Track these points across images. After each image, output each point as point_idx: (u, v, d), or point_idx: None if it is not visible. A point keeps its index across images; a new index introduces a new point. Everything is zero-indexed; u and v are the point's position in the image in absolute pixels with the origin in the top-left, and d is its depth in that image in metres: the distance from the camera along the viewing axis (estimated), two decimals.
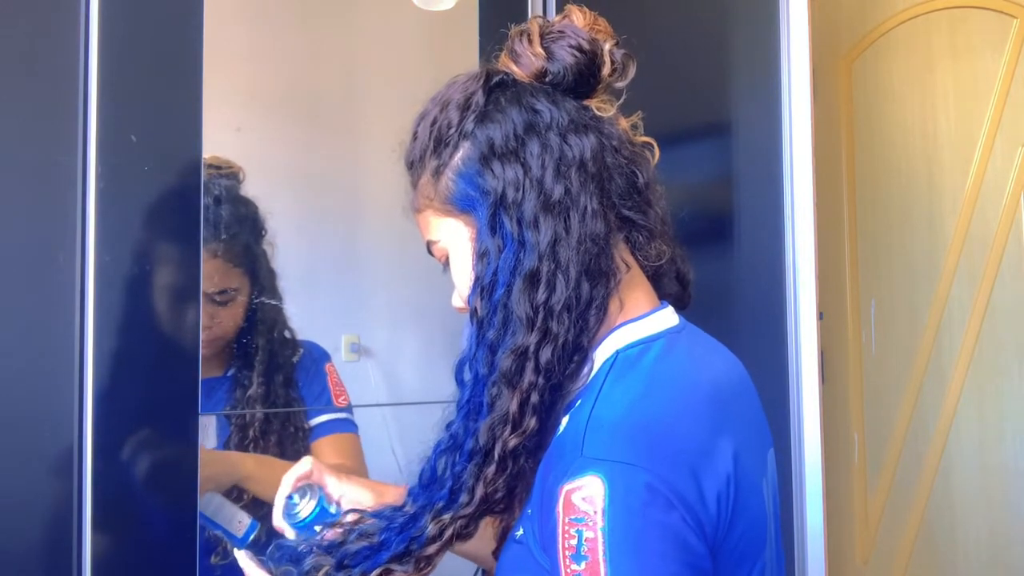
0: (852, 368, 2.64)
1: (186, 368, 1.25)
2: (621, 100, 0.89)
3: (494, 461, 0.79)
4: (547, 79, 0.86)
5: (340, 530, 0.89)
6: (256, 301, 1.35)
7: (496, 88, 0.85)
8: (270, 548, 0.92)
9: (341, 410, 1.43)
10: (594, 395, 0.77)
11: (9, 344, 1.16)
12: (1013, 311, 2.41)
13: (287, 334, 1.39)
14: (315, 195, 1.45)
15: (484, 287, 0.81)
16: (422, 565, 0.83)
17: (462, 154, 0.83)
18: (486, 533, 0.95)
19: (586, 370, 0.81)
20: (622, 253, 0.86)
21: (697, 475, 0.73)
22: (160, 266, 1.25)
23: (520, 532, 0.80)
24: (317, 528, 0.96)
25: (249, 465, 1.34)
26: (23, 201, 1.18)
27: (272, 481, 1.01)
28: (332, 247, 1.46)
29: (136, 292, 1.22)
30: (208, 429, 1.29)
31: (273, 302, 1.36)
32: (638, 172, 0.87)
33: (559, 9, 1.49)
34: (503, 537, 0.90)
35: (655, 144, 0.91)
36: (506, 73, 0.87)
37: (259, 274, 1.35)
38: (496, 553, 0.91)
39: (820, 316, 2.02)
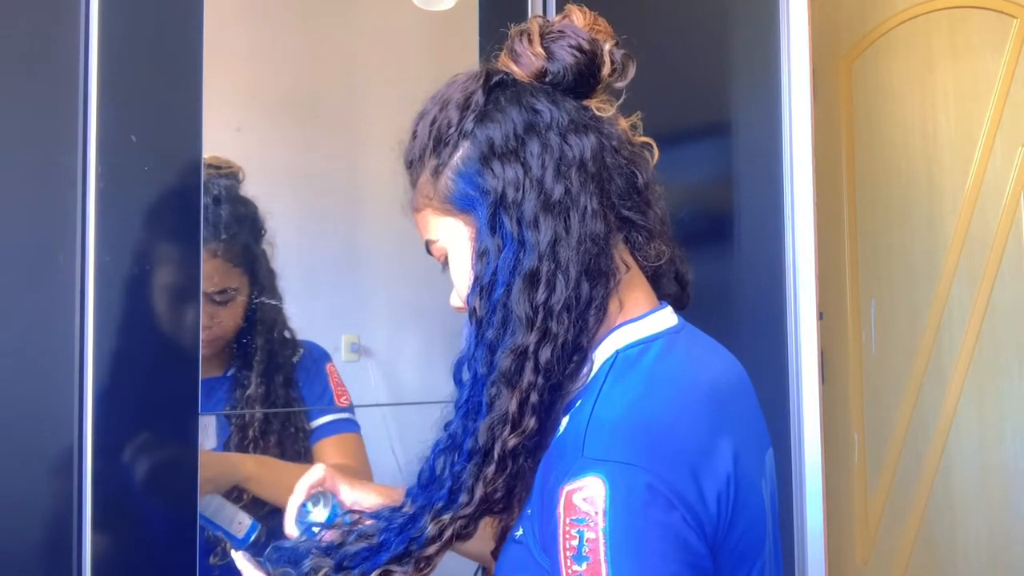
0: (852, 368, 2.64)
1: (186, 368, 1.25)
2: (621, 100, 0.89)
3: (493, 461, 0.79)
4: (547, 79, 0.86)
5: (339, 531, 0.89)
6: (256, 301, 1.35)
7: (496, 88, 0.85)
8: (268, 549, 0.91)
9: (343, 410, 1.43)
10: (594, 395, 0.77)
11: (9, 344, 1.16)
12: (1013, 311, 2.41)
13: (287, 334, 1.39)
14: (315, 195, 1.45)
15: (483, 287, 0.81)
16: (422, 566, 0.83)
17: (462, 153, 0.83)
18: (485, 533, 0.95)
19: (585, 370, 0.81)
20: (622, 253, 0.86)
21: (697, 475, 0.73)
22: (160, 266, 1.25)
23: (520, 532, 0.80)
24: (315, 529, 0.95)
25: (249, 466, 1.34)
26: (23, 201, 1.18)
27: (273, 482, 1.02)
28: (332, 247, 1.46)
29: (136, 292, 1.22)
30: (208, 429, 1.29)
31: (273, 302, 1.36)
32: (637, 172, 0.87)
33: (559, 9, 1.49)
34: (502, 537, 0.90)
35: (654, 144, 0.91)
36: (506, 73, 0.87)
37: (259, 274, 1.35)
38: (495, 553, 0.91)
39: (820, 316, 2.02)
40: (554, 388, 0.80)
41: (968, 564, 2.44)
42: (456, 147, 0.84)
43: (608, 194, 0.84)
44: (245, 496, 1.32)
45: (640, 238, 0.88)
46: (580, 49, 0.85)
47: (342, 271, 1.47)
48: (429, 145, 0.86)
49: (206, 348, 1.27)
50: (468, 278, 0.83)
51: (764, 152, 2.01)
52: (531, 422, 0.78)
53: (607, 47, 0.87)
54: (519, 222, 0.80)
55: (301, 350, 1.40)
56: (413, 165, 0.88)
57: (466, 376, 0.82)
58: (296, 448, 1.39)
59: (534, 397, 0.78)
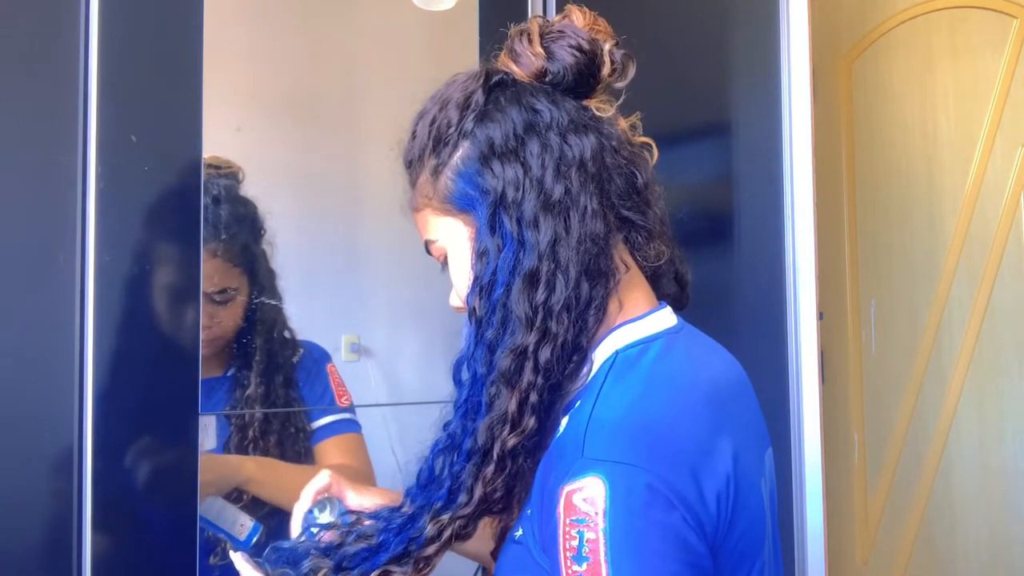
0: (852, 368, 2.64)
1: (186, 368, 1.25)
2: (621, 100, 0.89)
3: (493, 461, 0.79)
4: (547, 79, 0.86)
5: (338, 532, 0.89)
6: (256, 301, 1.35)
7: (496, 87, 0.85)
8: (267, 550, 0.91)
9: (344, 410, 1.43)
10: (594, 396, 0.77)
11: (9, 344, 1.16)
12: (1013, 311, 2.41)
13: (287, 334, 1.39)
14: (315, 195, 1.45)
15: (483, 286, 0.81)
16: (421, 566, 0.83)
17: (461, 153, 0.83)
18: (485, 533, 0.95)
19: (585, 370, 0.81)
20: (621, 253, 0.86)
21: (697, 475, 0.73)
22: (160, 266, 1.25)
23: (519, 532, 0.80)
24: (314, 530, 0.95)
25: (250, 468, 1.33)
26: (23, 201, 1.18)
27: (274, 483, 1.01)
28: (332, 247, 1.46)
29: (136, 292, 1.22)
30: (208, 429, 1.29)
31: (273, 302, 1.36)
32: (637, 172, 0.87)
33: (559, 9, 1.49)
34: (502, 537, 0.90)
35: (654, 144, 0.91)
36: (506, 73, 0.87)
37: (259, 274, 1.35)
38: (495, 553, 0.91)
39: (820, 316, 2.02)
40: (553, 388, 0.80)
41: (968, 564, 2.44)
42: (456, 147, 0.84)
43: (608, 194, 0.84)
44: (245, 496, 1.32)
45: (640, 238, 0.88)
46: (580, 49, 0.85)
47: (342, 271, 1.47)
48: (429, 145, 0.85)
49: (206, 348, 1.27)
50: (468, 278, 0.83)
51: (764, 152, 2.01)
52: (530, 422, 0.78)
53: (607, 47, 0.87)
54: (519, 222, 0.80)
55: (301, 350, 1.40)
56: (413, 165, 0.88)
57: (465, 376, 0.82)
58: (296, 448, 1.39)
59: (533, 397, 0.78)
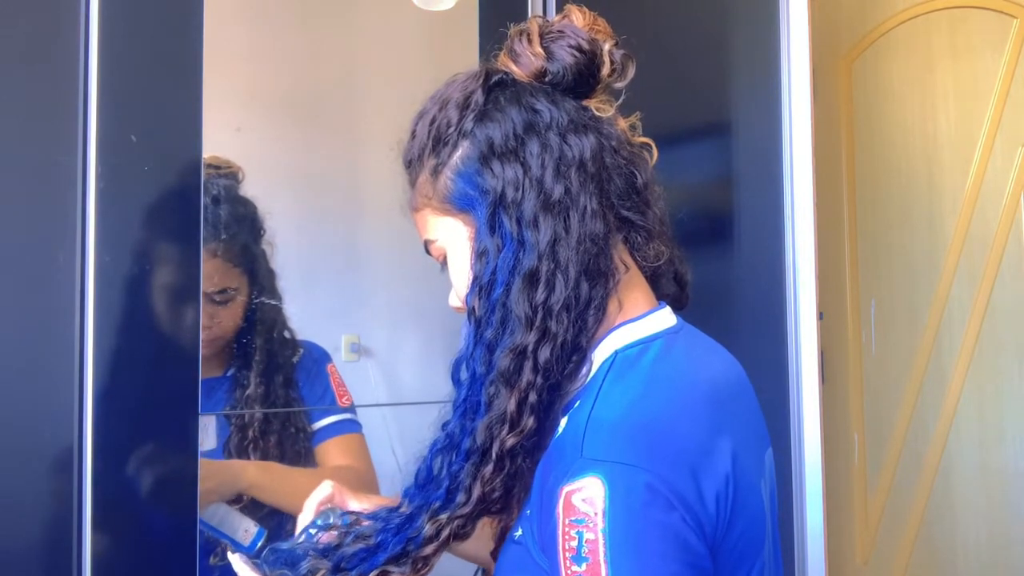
0: (852, 368, 2.64)
1: (186, 368, 1.25)
2: (620, 100, 0.89)
3: (491, 460, 0.79)
4: (546, 79, 0.86)
5: (336, 532, 0.89)
6: (256, 301, 1.35)
7: (496, 87, 0.85)
8: (265, 551, 0.91)
9: (345, 411, 1.43)
10: (593, 396, 0.77)
11: (9, 344, 1.16)
12: (1013, 311, 2.41)
13: (287, 334, 1.39)
14: (315, 195, 1.45)
15: (483, 286, 0.81)
16: (419, 566, 0.82)
17: (461, 153, 0.83)
18: (484, 533, 0.95)
19: (585, 370, 0.81)
20: (621, 253, 0.86)
21: (696, 475, 0.73)
22: (160, 266, 1.25)
23: (519, 533, 0.80)
24: (313, 531, 0.95)
25: (252, 473, 1.33)
26: (23, 201, 1.18)
27: (276, 488, 1.01)
28: (332, 247, 1.46)
29: (136, 292, 1.22)
30: (208, 429, 1.29)
31: (273, 302, 1.36)
32: (637, 173, 0.87)
33: (559, 9, 1.49)
34: (502, 537, 0.90)
35: (653, 145, 0.91)
36: (506, 73, 0.87)
37: (259, 274, 1.35)
38: (495, 554, 0.91)
39: (820, 316, 2.02)
40: (553, 388, 0.80)
41: (968, 564, 2.44)
42: (455, 147, 0.84)
43: (607, 194, 0.84)
44: (244, 498, 1.32)
45: (639, 238, 0.88)
46: (580, 49, 0.85)
47: (342, 271, 1.47)
48: (428, 145, 0.85)
49: (206, 348, 1.27)
50: (467, 278, 0.83)
51: (764, 152, 2.01)
52: (529, 422, 0.78)
53: (607, 47, 0.87)
54: (518, 222, 0.80)
55: (301, 350, 1.40)
56: (412, 165, 0.88)
57: (464, 375, 0.82)
58: (296, 448, 1.39)
59: (533, 397, 0.78)
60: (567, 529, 0.70)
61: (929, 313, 2.52)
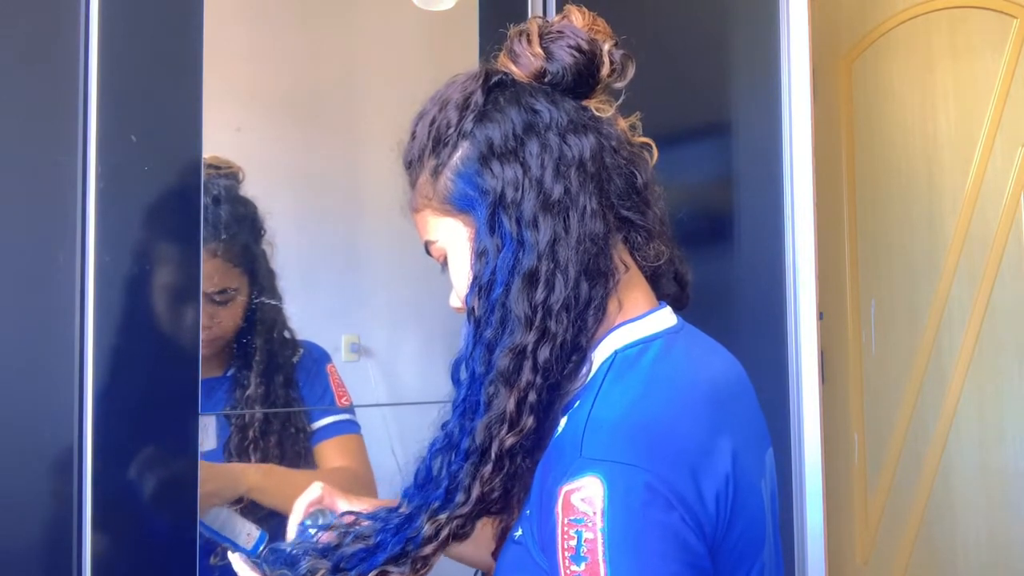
0: (852, 368, 2.64)
1: (186, 368, 1.25)
2: (620, 100, 0.89)
3: (491, 460, 0.79)
4: (546, 79, 0.86)
5: (336, 533, 0.89)
6: (256, 301, 1.35)
7: (495, 88, 0.85)
8: (265, 551, 0.91)
9: (344, 411, 1.43)
10: (593, 395, 0.77)
11: (9, 344, 1.16)
12: (1013, 311, 2.41)
13: (287, 334, 1.39)
14: (315, 195, 1.45)
15: (482, 286, 0.81)
16: (419, 566, 0.82)
17: (461, 154, 0.83)
18: (484, 535, 0.95)
19: (584, 370, 0.81)
20: (621, 253, 0.86)
21: (696, 475, 0.73)
22: (160, 266, 1.25)
23: (519, 533, 0.80)
24: (312, 531, 0.95)
25: (253, 477, 1.33)
26: (23, 201, 1.19)
27: (277, 491, 1.01)
28: (332, 247, 1.46)
29: (136, 292, 1.22)
30: (208, 429, 1.29)
31: (273, 302, 1.36)
32: (637, 172, 0.87)
33: (559, 9, 1.49)
34: (502, 538, 0.90)
35: (653, 145, 0.91)
36: (505, 73, 0.87)
37: (259, 274, 1.36)
38: (495, 554, 0.91)
39: (820, 316, 2.02)
40: (552, 388, 0.80)
41: (968, 564, 2.44)
42: (455, 147, 0.84)
43: (607, 194, 0.84)
44: (243, 499, 1.32)
45: (639, 238, 0.88)
46: (579, 49, 0.85)
47: (342, 271, 1.47)
48: (428, 145, 0.86)
49: (206, 348, 1.27)
50: (467, 278, 0.83)
51: (764, 152, 2.01)
52: (529, 421, 0.78)
53: (606, 47, 0.87)
54: (518, 222, 0.80)
55: (301, 350, 1.40)
56: (412, 165, 0.88)
57: (464, 375, 0.82)
58: (296, 448, 1.39)
59: (532, 396, 0.78)
60: (566, 529, 0.70)
61: (929, 313, 2.52)
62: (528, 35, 0.87)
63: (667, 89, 1.82)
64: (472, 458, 0.79)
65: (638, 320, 0.84)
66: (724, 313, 1.95)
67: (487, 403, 0.79)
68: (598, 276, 0.81)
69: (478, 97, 0.84)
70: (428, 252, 0.90)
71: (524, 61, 0.86)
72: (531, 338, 0.78)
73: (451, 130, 0.84)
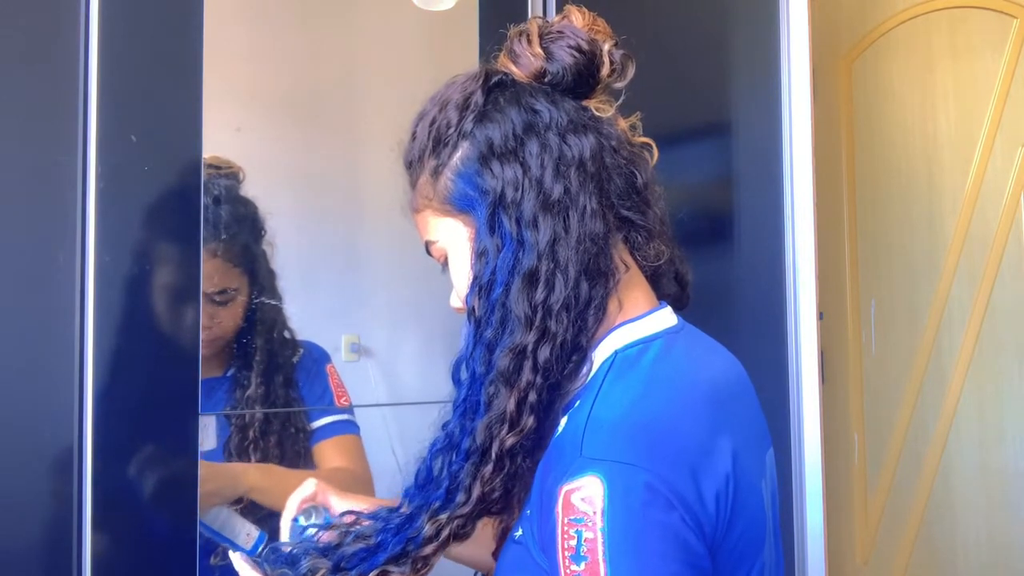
0: (852, 368, 2.64)
1: (186, 368, 1.25)
2: (620, 100, 0.89)
3: (491, 460, 0.79)
4: (546, 79, 0.86)
5: (336, 532, 0.89)
6: (256, 301, 1.35)
7: (495, 88, 0.85)
8: (266, 550, 0.92)
9: (343, 411, 1.43)
10: (593, 395, 0.77)
11: (9, 344, 1.16)
12: (1013, 311, 2.41)
13: (287, 334, 1.39)
14: (315, 195, 1.45)
15: (482, 286, 0.81)
16: (419, 566, 0.82)
17: (461, 154, 0.83)
18: (484, 535, 0.95)
19: (585, 370, 0.81)
20: (621, 253, 0.86)
21: (696, 475, 0.73)
22: (160, 266, 1.25)
23: (519, 533, 0.80)
24: (312, 531, 0.96)
25: (252, 476, 1.33)
26: (23, 201, 1.19)
27: (277, 491, 1.02)
28: (332, 247, 1.46)
29: (136, 292, 1.22)
30: (208, 429, 1.29)
31: (273, 302, 1.37)
32: (637, 172, 0.87)
33: (559, 9, 1.49)
34: (502, 538, 0.90)
35: (654, 145, 0.91)
36: (505, 73, 0.87)
37: (259, 274, 1.36)
38: (496, 554, 0.91)
39: (820, 316, 2.02)
40: (553, 388, 0.80)
41: (968, 564, 2.44)
42: (455, 147, 0.84)
43: (607, 194, 0.84)
44: (243, 499, 1.32)
45: (639, 238, 0.88)
46: (579, 49, 0.85)
47: (342, 271, 1.47)
48: (428, 146, 0.86)
49: (206, 348, 1.27)
50: (467, 278, 0.83)
51: (764, 152, 2.01)
52: (529, 421, 0.78)
53: (606, 47, 0.87)
54: (518, 222, 0.80)
55: (301, 350, 1.40)
56: (413, 166, 0.88)
57: (464, 375, 0.82)
58: (296, 449, 1.39)
59: (532, 396, 0.78)
60: (566, 528, 0.70)
61: (929, 313, 2.52)
62: (528, 35, 0.87)
63: (667, 89, 1.82)
64: (473, 458, 0.79)
65: (638, 320, 0.84)
66: (724, 313, 1.95)
67: (487, 403, 0.79)
68: (598, 276, 0.81)
69: (478, 97, 0.84)
70: (428, 252, 0.90)
71: (524, 61, 0.86)
72: (531, 338, 0.78)
73: (451, 130, 0.84)
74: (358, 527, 0.88)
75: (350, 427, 1.44)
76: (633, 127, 0.91)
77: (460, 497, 0.80)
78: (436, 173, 0.85)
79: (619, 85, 0.89)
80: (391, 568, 0.82)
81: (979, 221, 2.46)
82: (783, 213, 2.00)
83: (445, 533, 0.81)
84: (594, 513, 0.69)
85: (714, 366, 0.88)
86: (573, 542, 0.69)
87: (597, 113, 0.87)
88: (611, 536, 0.68)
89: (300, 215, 1.43)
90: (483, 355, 0.80)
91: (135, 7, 1.25)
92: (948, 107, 2.51)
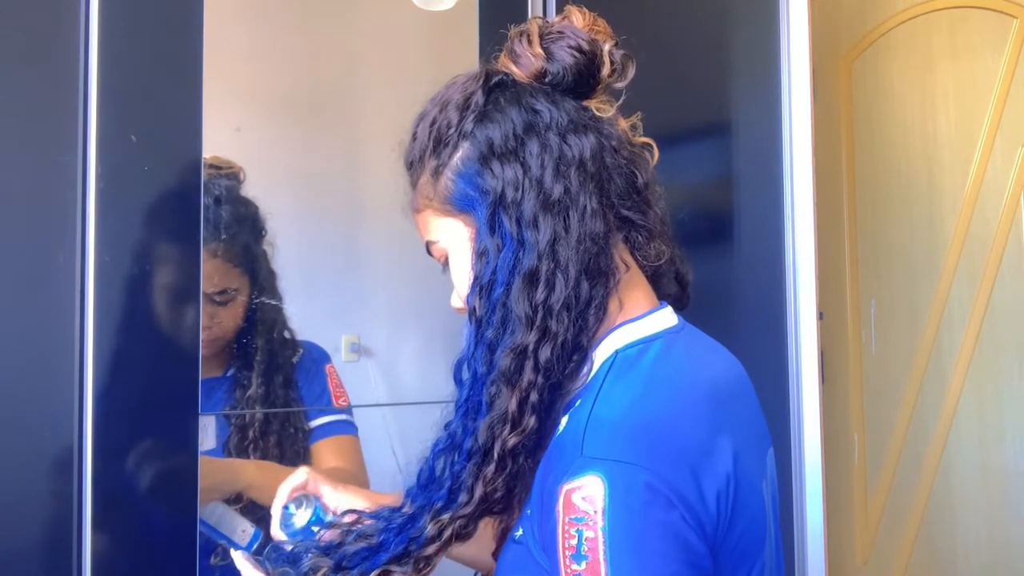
0: (852, 368, 2.64)
1: (186, 368, 1.25)
2: (621, 100, 0.89)
3: (493, 460, 0.79)
4: (546, 79, 0.86)
5: (338, 531, 0.89)
6: (256, 301, 1.35)
7: (495, 88, 0.86)
8: (267, 549, 0.92)
9: (341, 411, 1.43)
10: (593, 395, 0.77)
11: (9, 344, 1.16)
12: (1013, 311, 2.41)
13: (287, 334, 1.39)
14: (315, 195, 1.45)
15: (483, 286, 0.81)
16: (421, 566, 0.83)
17: (461, 154, 0.84)
18: (485, 535, 0.95)
19: (585, 370, 0.81)
20: (621, 253, 0.86)
21: (697, 474, 0.73)
22: (160, 266, 1.25)
23: (519, 532, 0.80)
24: (315, 529, 0.96)
25: (251, 472, 1.33)
26: (23, 201, 1.19)
27: (274, 488, 1.02)
28: (332, 247, 1.46)
29: (136, 292, 1.22)
30: (208, 429, 1.29)
31: (273, 302, 1.36)
32: (637, 172, 0.87)
33: (559, 10, 1.49)
34: (503, 537, 0.90)
35: (654, 145, 0.91)
36: (506, 73, 0.87)
37: (259, 274, 1.36)
38: (496, 554, 0.91)
39: (820, 316, 2.02)
40: (554, 387, 0.80)
41: (968, 564, 2.44)
42: (456, 148, 0.84)
43: (608, 194, 0.84)
44: (244, 498, 1.32)
45: (640, 238, 0.89)
46: (579, 50, 0.86)
47: (342, 271, 1.47)
48: (429, 146, 0.86)
49: (206, 348, 1.27)
50: (468, 278, 0.83)
51: (764, 152, 2.01)
52: (531, 421, 0.78)
53: (607, 47, 0.87)
54: (518, 222, 0.80)
55: (301, 350, 1.40)
56: (413, 166, 0.88)
57: (466, 375, 0.82)
58: (295, 448, 1.39)
59: (534, 396, 0.78)
60: (567, 527, 0.70)
61: (929, 313, 2.52)
62: (528, 35, 0.87)
63: (667, 89, 1.82)
64: (475, 458, 0.79)
65: (639, 320, 0.84)
66: (724, 313, 1.95)
67: (489, 403, 0.79)
68: (599, 275, 0.81)
69: (478, 97, 0.84)
70: (429, 252, 0.90)
71: (525, 61, 0.86)
72: (532, 338, 0.78)
73: (452, 130, 0.84)
74: (360, 526, 0.88)
75: (347, 427, 1.44)
76: (633, 127, 0.91)
77: (462, 497, 0.80)
78: (437, 173, 0.85)
79: (619, 85, 0.89)
80: (393, 568, 0.82)
81: (979, 221, 2.46)
82: (783, 213, 2.00)
83: (447, 533, 0.81)
84: (595, 512, 0.69)
85: (714, 366, 0.88)
86: (574, 541, 0.69)
87: (597, 113, 0.87)
88: (612, 535, 0.68)
89: (300, 215, 1.43)
90: (484, 355, 0.80)
91: (135, 7, 1.25)
92: (948, 107, 2.51)
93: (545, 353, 0.78)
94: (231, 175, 1.32)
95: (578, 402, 0.79)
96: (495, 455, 0.79)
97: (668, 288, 0.93)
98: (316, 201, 1.45)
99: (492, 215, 0.81)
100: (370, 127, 1.48)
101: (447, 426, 0.84)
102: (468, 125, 0.84)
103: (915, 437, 2.54)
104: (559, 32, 0.86)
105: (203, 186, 1.28)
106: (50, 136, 1.19)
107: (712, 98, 2.02)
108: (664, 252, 0.90)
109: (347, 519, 0.91)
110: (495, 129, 0.82)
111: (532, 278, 0.79)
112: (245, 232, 1.34)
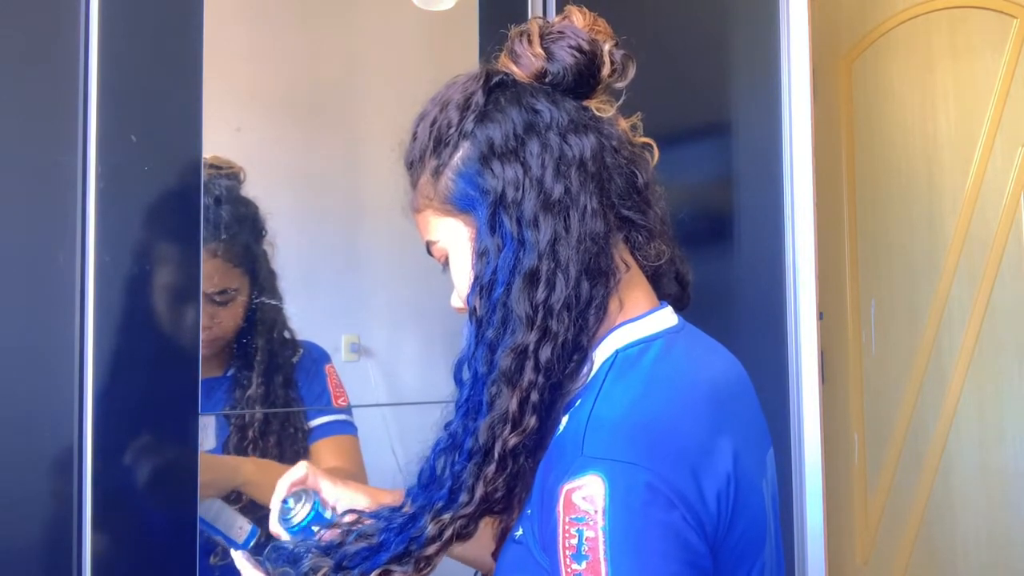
0: (852, 368, 2.64)
1: (186, 368, 1.25)
2: (621, 100, 0.89)
3: (494, 460, 0.79)
4: (547, 79, 0.86)
5: (338, 531, 0.89)
6: (256, 301, 1.35)
7: (496, 88, 0.86)
8: (267, 549, 0.92)
9: (340, 411, 1.43)
10: (594, 394, 0.77)
11: (9, 344, 1.16)
12: (1013, 311, 2.41)
13: (287, 334, 1.39)
14: (315, 195, 1.45)
15: (483, 286, 0.81)
16: (422, 566, 0.83)
17: (462, 154, 0.84)
18: (485, 534, 0.95)
19: (586, 369, 0.81)
20: (622, 253, 0.86)
21: (697, 474, 0.73)
22: (160, 266, 1.25)
23: (520, 532, 0.80)
24: (315, 528, 0.96)
25: (249, 470, 1.34)
26: (23, 201, 1.19)
27: (272, 485, 1.01)
28: (332, 247, 1.46)
29: (136, 292, 1.22)
30: (208, 429, 1.29)
31: (273, 302, 1.36)
32: (637, 172, 0.87)
33: (559, 10, 1.49)
34: (503, 537, 0.90)
35: (654, 145, 0.91)
36: (506, 73, 0.87)
37: (259, 274, 1.36)
38: (496, 554, 0.91)
39: (820, 316, 2.02)
40: (554, 387, 0.80)
41: (968, 564, 2.44)
42: (456, 147, 0.84)
43: (608, 194, 0.84)
44: (243, 498, 1.32)
45: (640, 238, 0.89)
46: (580, 50, 0.86)
47: (342, 271, 1.47)
48: (429, 146, 0.86)
49: (206, 348, 1.27)
50: (468, 278, 0.83)
51: (764, 152, 2.01)
52: (531, 421, 0.78)
53: (607, 47, 0.87)
54: (519, 221, 0.80)
55: (301, 350, 1.40)
56: (414, 166, 0.88)
57: (466, 375, 0.82)
58: (295, 448, 1.39)
59: (534, 396, 0.78)
60: (567, 527, 0.70)
61: (929, 313, 2.52)
62: (529, 35, 0.87)
63: (667, 89, 1.82)
64: (476, 458, 0.79)
65: (639, 319, 0.84)
66: (724, 313, 1.95)
67: (490, 403, 0.79)
68: (599, 275, 0.81)
69: (479, 97, 0.84)
70: (429, 252, 0.90)
71: (525, 61, 0.86)
72: (533, 338, 0.78)
73: (452, 130, 0.84)
74: (360, 526, 0.88)
75: (347, 427, 1.44)
76: (634, 127, 0.91)
77: (463, 497, 0.80)
78: (437, 173, 0.85)
79: (620, 85, 0.89)
80: (394, 567, 0.82)
81: (979, 221, 2.46)
82: (783, 213, 2.00)
83: (448, 533, 0.81)
84: (595, 512, 0.69)
85: (714, 366, 0.88)
86: (574, 541, 0.70)
87: (598, 113, 0.87)
88: (612, 535, 0.68)
89: (300, 215, 1.43)
90: (485, 355, 0.80)
91: (135, 7, 1.25)
92: (948, 107, 2.51)
93: (546, 353, 0.78)
94: (231, 175, 1.32)
95: (578, 402, 0.79)
96: (496, 455, 0.79)
97: (668, 288, 0.93)
98: (316, 201, 1.45)
99: (492, 215, 0.81)
100: (370, 127, 1.48)
101: (447, 426, 0.84)
102: (468, 125, 0.84)
103: (915, 437, 2.54)
104: (559, 32, 0.86)
105: (203, 186, 1.27)
106: (50, 136, 1.19)
107: (712, 98, 2.02)
108: (664, 252, 0.90)
109: (347, 519, 0.91)
110: (495, 129, 0.82)
111: (532, 278, 0.79)
112: (245, 232, 1.34)
